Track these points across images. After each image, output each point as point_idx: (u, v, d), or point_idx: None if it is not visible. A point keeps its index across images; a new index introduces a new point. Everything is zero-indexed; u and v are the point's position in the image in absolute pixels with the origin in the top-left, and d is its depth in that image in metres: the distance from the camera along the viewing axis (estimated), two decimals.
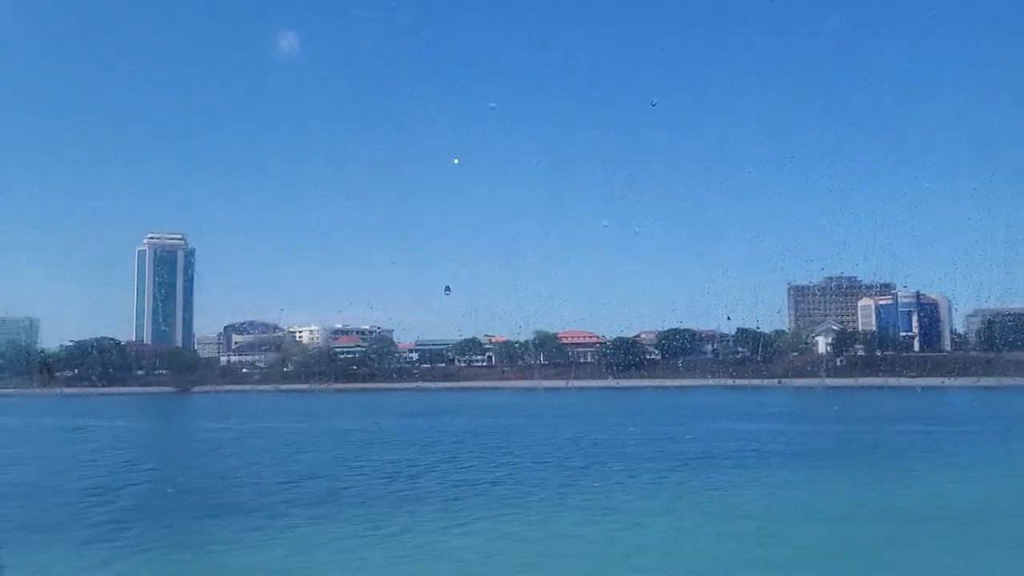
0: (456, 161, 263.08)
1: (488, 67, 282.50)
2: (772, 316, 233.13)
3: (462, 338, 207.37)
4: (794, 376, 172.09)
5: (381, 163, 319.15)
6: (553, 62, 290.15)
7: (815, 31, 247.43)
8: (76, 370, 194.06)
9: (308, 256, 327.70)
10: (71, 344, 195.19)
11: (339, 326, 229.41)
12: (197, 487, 35.87)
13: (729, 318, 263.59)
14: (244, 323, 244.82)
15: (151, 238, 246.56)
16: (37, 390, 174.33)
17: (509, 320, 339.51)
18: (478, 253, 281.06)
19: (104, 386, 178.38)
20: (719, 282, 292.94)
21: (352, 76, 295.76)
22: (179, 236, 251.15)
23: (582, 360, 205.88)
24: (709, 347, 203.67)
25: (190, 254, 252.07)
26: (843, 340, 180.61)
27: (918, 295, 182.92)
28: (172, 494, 33.40)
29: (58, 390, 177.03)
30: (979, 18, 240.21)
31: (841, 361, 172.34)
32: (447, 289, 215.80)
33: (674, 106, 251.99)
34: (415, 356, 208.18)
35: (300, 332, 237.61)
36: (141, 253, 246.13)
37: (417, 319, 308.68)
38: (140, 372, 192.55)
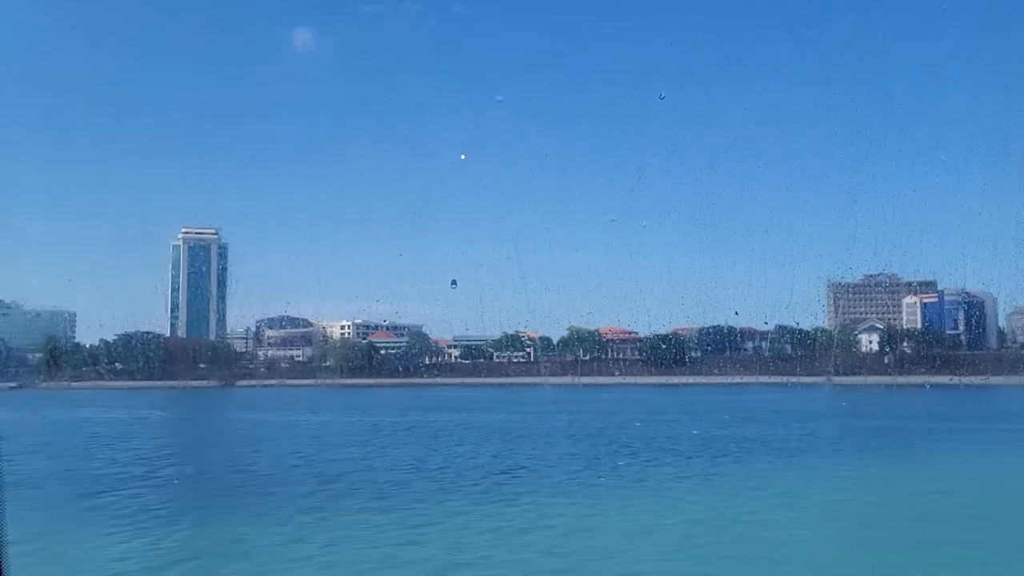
0: (463, 157, 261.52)
1: (496, 62, 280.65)
2: (781, 311, 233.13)
3: (501, 334, 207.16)
4: (839, 374, 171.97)
5: (389, 157, 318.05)
6: (561, 56, 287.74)
7: (826, 26, 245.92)
8: (118, 364, 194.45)
9: (314, 250, 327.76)
10: (116, 337, 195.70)
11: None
12: (432, 478, 35.93)
13: (737, 313, 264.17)
14: (276, 318, 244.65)
15: (186, 232, 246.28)
16: (81, 383, 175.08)
17: (515, 314, 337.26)
18: (485, 247, 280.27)
19: (149, 380, 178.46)
20: (727, 277, 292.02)
21: (361, 72, 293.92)
22: (213, 231, 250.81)
23: (622, 356, 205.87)
24: (750, 344, 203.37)
25: (223, 248, 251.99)
26: (890, 338, 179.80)
27: (965, 292, 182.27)
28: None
29: (98, 383, 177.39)
30: (989, 14, 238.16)
31: (889, 359, 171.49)
32: (453, 283, 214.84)
33: (683, 100, 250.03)
34: (457, 352, 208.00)
35: (331, 328, 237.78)
36: (176, 247, 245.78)
37: (423, 312, 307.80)
38: (183, 366, 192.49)
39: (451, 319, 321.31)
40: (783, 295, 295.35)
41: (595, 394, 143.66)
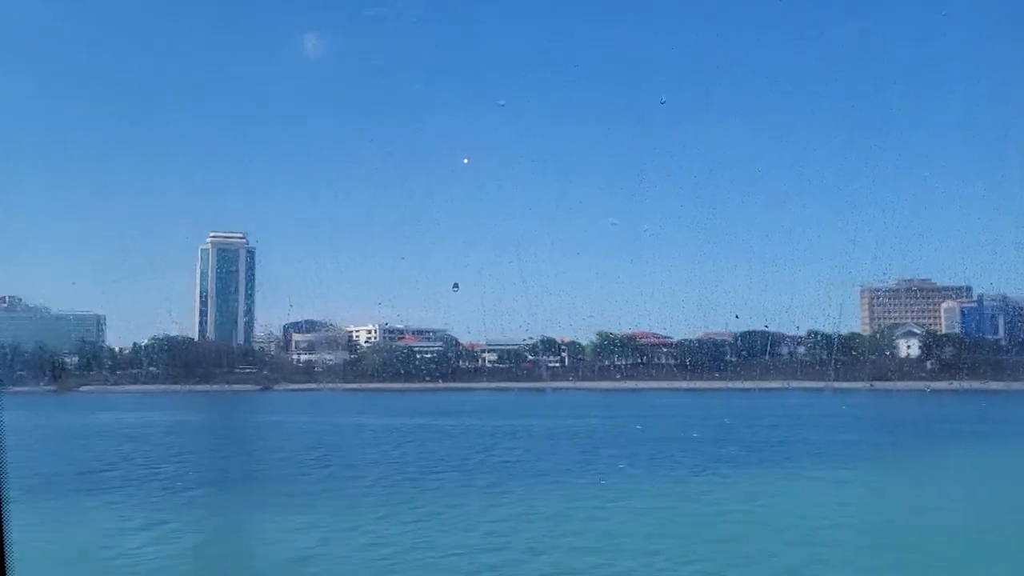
0: (466, 161, 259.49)
1: (497, 66, 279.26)
2: (781, 315, 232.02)
3: (527, 337, 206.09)
4: (878, 379, 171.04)
5: (391, 161, 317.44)
6: (562, 59, 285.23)
7: (825, 30, 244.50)
8: (152, 367, 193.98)
9: (316, 254, 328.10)
10: (149, 341, 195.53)
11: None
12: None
13: (737, 317, 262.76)
14: (301, 322, 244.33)
15: (214, 236, 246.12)
16: (119, 386, 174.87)
17: (516, 319, 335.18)
18: (487, 252, 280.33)
19: (186, 383, 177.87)
20: (727, 281, 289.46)
21: (363, 74, 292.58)
22: (240, 235, 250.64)
23: (657, 361, 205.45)
24: (785, 349, 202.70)
25: (251, 252, 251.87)
26: (931, 343, 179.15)
27: (1004, 298, 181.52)
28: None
29: (140, 386, 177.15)
30: (987, 19, 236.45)
31: (932, 364, 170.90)
32: (455, 287, 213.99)
33: (683, 104, 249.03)
34: (494, 356, 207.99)
35: (357, 331, 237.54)
36: (204, 252, 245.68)
37: (424, 316, 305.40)
38: (219, 370, 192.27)
39: (453, 323, 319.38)
40: (783, 299, 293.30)
41: (653, 399, 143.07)
